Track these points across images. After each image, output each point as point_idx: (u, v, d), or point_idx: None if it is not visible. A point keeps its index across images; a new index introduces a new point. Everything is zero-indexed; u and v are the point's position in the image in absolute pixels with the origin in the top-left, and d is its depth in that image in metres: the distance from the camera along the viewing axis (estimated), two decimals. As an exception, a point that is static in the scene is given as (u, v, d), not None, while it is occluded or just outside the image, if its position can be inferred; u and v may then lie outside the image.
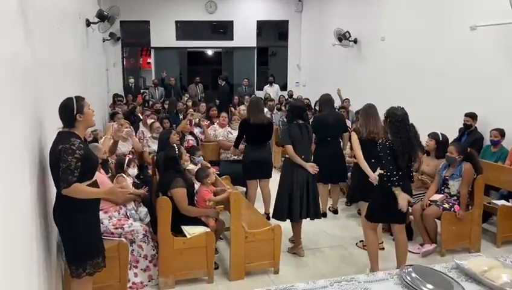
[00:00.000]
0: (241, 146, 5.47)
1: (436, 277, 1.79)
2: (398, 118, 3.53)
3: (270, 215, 4.72)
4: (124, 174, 4.20)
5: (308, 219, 4.38)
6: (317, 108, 7.67)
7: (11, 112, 2.12)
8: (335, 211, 5.78)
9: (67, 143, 2.59)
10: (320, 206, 4.97)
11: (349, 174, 5.53)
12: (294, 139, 4.28)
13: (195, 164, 4.83)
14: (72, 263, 2.77)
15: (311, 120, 5.42)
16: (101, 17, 6.58)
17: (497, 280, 1.74)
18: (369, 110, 4.54)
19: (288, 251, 4.49)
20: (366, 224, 3.93)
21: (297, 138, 4.29)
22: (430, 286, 1.71)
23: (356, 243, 4.76)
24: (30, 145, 2.53)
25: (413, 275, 1.78)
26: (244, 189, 5.61)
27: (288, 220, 4.39)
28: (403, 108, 3.63)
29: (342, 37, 9.48)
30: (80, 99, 2.78)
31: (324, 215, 5.51)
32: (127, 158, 4.47)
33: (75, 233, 2.72)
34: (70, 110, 2.71)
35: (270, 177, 5.29)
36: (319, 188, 5.25)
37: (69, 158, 2.56)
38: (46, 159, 2.82)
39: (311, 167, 4.27)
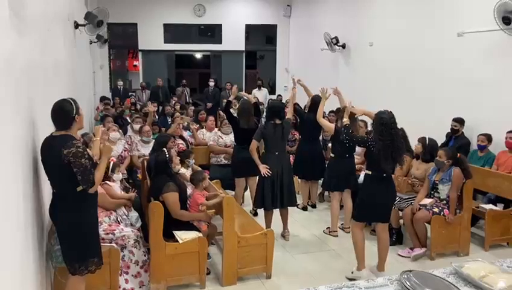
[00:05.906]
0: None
1: (436, 282, 1.81)
2: (382, 121, 3.65)
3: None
4: (108, 182, 4.05)
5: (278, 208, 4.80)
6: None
7: (4, 112, 2.07)
8: (313, 206, 6.15)
9: (72, 147, 2.62)
10: (301, 201, 5.88)
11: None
12: (267, 136, 4.72)
13: (188, 168, 4.79)
14: (76, 261, 2.78)
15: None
16: (90, 19, 6.49)
17: (495, 286, 1.76)
18: None
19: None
20: (352, 223, 4.06)
21: (270, 136, 4.71)
22: (430, 292, 1.72)
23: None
24: (24, 145, 2.50)
25: (413, 280, 1.78)
26: (234, 193, 5.59)
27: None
28: (390, 112, 3.73)
29: (331, 42, 9.54)
30: (75, 101, 2.80)
31: (305, 208, 5.99)
32: (112, 163, 4.22)
33: (79, 232, 2.77)
34: (69, 112, 2.72)
35: (257, 175, 5.30)
36: (301, 184, 6.05)
37: (82, 161, 2.64)
38: (38, 160, 2.81)
39: (263, 169, 4.66)
